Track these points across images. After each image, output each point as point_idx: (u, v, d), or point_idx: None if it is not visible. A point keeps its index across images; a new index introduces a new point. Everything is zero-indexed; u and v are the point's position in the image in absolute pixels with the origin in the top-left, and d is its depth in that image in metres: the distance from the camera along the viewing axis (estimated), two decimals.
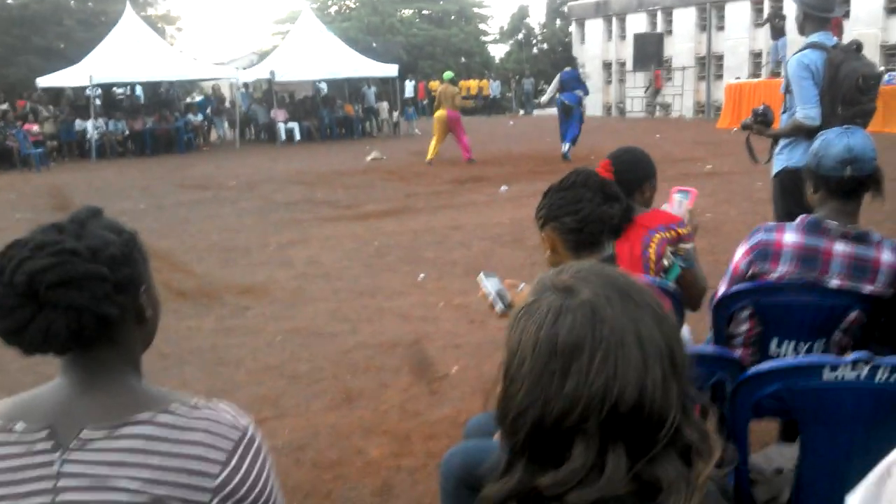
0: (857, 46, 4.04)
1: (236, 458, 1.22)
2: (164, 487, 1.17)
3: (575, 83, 14.85)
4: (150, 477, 1.17)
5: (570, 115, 14.65)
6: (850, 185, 2.46)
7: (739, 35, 25.98)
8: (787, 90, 4.14)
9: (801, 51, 4.10)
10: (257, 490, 1.25)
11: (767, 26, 21.77)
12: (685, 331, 3.19)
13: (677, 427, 0.97)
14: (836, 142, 2.48)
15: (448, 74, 16.48)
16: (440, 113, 15.11)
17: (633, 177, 2.87)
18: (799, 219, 2.55)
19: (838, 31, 4.33)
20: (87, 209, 1.30)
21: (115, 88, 24.01)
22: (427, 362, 4.53)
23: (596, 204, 2.15)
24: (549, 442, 0.98)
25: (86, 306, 1.16)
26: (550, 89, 14.89)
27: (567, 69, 15.25)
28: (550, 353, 0.97)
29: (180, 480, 1.18)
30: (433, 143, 15.31)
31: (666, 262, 2.60)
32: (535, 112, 33.84)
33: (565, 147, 14.60)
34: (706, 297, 2.83)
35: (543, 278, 1.07)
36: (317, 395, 4.20)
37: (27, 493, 1.17)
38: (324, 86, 26.79)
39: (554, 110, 16.17)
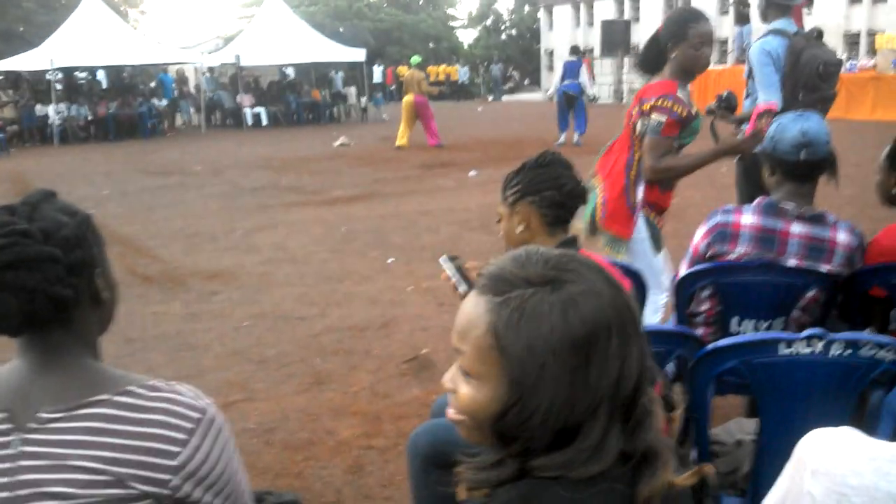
0: (818, 34, 4.12)
1: (196, 437, 1.23)
2: (124, 466, 1.18)
3: (578, 72, 14.78)
4: (109, 456, 1.17)
5: (575, 105, 14.62)
6: (805, 168, 2.52)
7: None
8: (750, 76, 4.21)
9: (763, 37, 4.17)
10: (219, 468, 1.26)
11: (732, 13, 22.00)
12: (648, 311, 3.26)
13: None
14: (791, 126, 2.53)
15: (415, 59, 16.44)
16: (408, 98, 15.07)
17: None
18: (756, 201, 2.61)
19: (799, 18, 4.39)
20: (40, 192, 1.29)
21: (76, 73, 23.56)
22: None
23: (575, 182, 2.20)
24: (562, 433, 0.96)
25: (38, 288, 1.16)
26: (555, 80, 14.66)
27: (570, 59, 15.10)
28: (571, 349, 0.94)
29: (140, 459, 1.19)
30: (402, 128, 15.28)
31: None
32: (504, 98, 33.93)
33: (562, 136, 14.53)
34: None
35: (498, 274, 1.00)
36: (286, 378, 4.21)
37: None
38: (291, 71, 26.53)
39: (523, 97, 16.16)
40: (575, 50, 15.62)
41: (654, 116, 3.31)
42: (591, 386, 0.94)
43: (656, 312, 3.53)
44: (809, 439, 1.10)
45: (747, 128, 3.40)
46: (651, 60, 3.53)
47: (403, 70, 15.67)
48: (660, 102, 3.33)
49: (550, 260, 0.99)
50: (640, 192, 3.49)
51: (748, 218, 2.56)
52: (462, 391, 1.01)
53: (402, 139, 15.18)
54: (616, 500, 0.95)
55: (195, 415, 1.24)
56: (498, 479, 1.00)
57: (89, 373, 1.26)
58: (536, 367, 0.94)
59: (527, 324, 0.94)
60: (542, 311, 0.95)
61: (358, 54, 23.81)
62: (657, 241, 3.67)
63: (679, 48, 3.36)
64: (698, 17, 3.44)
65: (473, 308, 1.00)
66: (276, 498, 1.72)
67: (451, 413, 1.06)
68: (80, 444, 1.17)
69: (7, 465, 1.17)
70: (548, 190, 2.16)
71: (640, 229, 3.54)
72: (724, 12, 24.96)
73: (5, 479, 1.17)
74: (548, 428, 0.95)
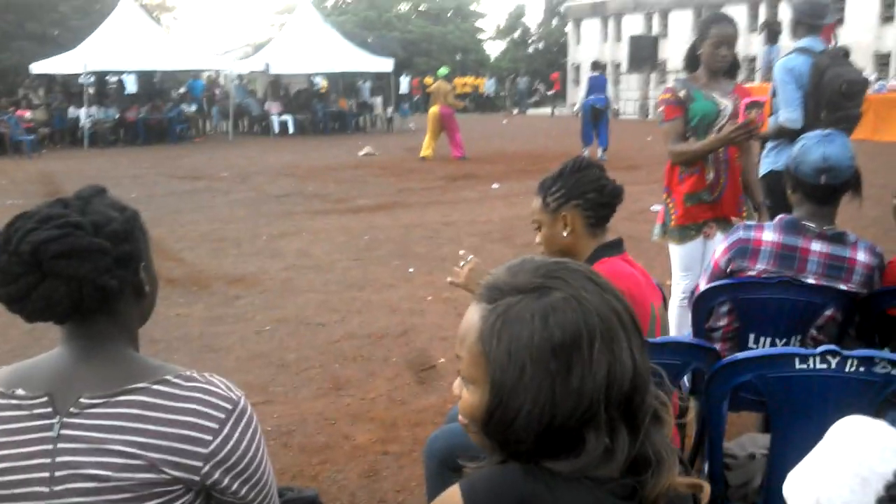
0: (844, 52, 4.13)
1: (228, 427, 1.28)
2: (158, 452, 1.22)
3: (604, 87, 15.02)
4: (145, 441, 1.22)
5: (601, 119, 14.73)
6: (825, 191, 2.53)
7: None
8: (774, 94, 4.22)
9: (787, 55, 4.18)
10: (248, 458, 1.30)
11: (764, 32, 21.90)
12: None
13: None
14: (813, 149, 2.53)
15: (443, 71, 16.63)
16: (433, 110, 15.18)
17: None
18: (777, 218, 2.62)
19: (832, 37, 4.40)
20: (92, 187, 1.36)
21: (107, 77, 23.90)
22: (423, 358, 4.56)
23: (613, 183, 2.26)
24: (559, 439, 0.99)
25: (87, 277, 1.22)
26: (580, 95, 14.83)
27: (594, 73, 15.27)
28: (551, 354, 0.97)
29: (174, 446, 1.23)
30: (427, 139, 15.37)
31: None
32: (529, 111, 33.96)
33: (586, 150, 14.41)
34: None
35: (493, 283, 1.05)
36: (305, 382, 4.26)
37: (28, 455, 1.22)
38: (321, 80, 26.67)
39: (546, 111, 16.21)
40: (596, 65, 15.67)
41: (659, 110, 3.83)
42: (573, 390, 0.97)
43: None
44: (840, 424, 1.12)
45: (738, 119, 3.53)
46: (690, 58, 3.80)
47: (430, 81, 15.83)
48: (659, 97, 3.89)
49: (541, 268, 1.04)
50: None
51: (769, 235, 2.57)
52: (463, 396, 1.07)
53: (426, 150, 15.28)
54: (593, 500, 0.98)
55: (228, 406, 1.29)
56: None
57: (129, 362, 1.31)
58: (517, 371, 0.98)
59: (508, 329, 0.99)
60: (523, 317, 0.99)
61: (386, 64, 23.97)
62: (664, 230, 3.89)
63: (703, 46, 3.66)
64: (721, 19, 3.71)
65: (469, 316, 1.06)
66: (296, 493, 1.77)
67: (459, 418, 1.11)
68: (118, 430, 1.22)
69: (47, 446, 1.22)
70: (591, 192, 2.21)
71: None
72: (753, 30, 24.83)
73: (45, 461, 1.22)
74: (531, 431, 0.98)
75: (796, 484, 1.15)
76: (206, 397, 1.28)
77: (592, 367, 0.97)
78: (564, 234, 2.23)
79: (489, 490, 1.00)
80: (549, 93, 30.54)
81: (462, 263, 2.37)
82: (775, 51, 20.00)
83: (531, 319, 0.98)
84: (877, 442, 1.06)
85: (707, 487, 1.03)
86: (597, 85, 14.90)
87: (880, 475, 1.03)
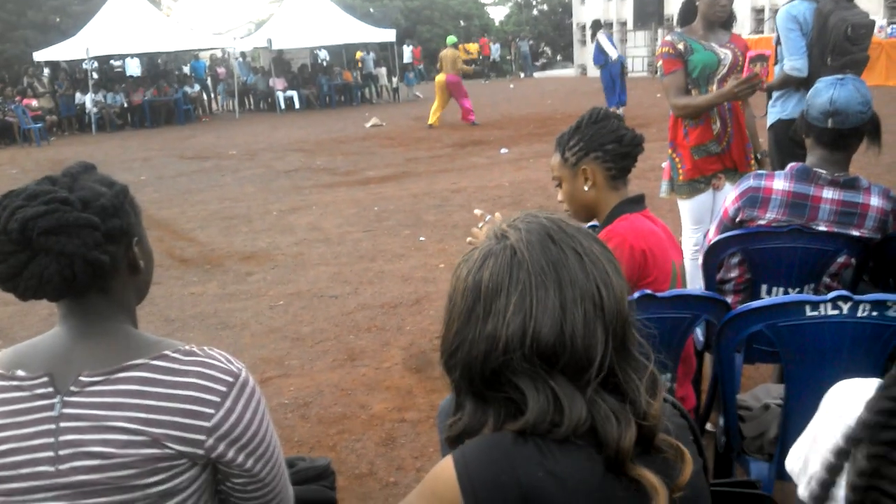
0: None
1: (230, 400, 1.27)
2: (160, 427, 1.22)
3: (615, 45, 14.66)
4: (147, 417, 1.22)
5: (622, 77, 14.40)
6: (833, 136, 2.48)
7: None
8: (778, 42, 4.14)
9: (790, 2, 4.08)
10: (252, 430, 1.30)
11: None
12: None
13: (610, 366, 1.02)
14: (822, 92, 2.49)
15: (451, 39, 16.57)
16: (440, 77, 15.09)
17: None
18: (788, 166, 2.58)
19: None
20: (80, 164, 1.34)
21: (111, 62, 23.83)
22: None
23: (632, 131, 2.20)
24: (482, 380, 1.04)
25: (77, 253, 1.20)
26: (611, 49, 14.06)
27: (603, 30, 14.79)
28: (475, 296, 1.04)
29: (176, 420, 1.23)
30: (434, 107, 15.33)
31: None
32: (536, 74, 33.63)
33: (620, 109, 14.00)
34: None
35: (491, 225, 1.12)
36: (320, 355, 4.27)
37: (31, 435, 1.22)
38: (325, 54, 26.49)
39: (554, 73, 15.98)
40: (597, 24, 15.34)
41: (658, 64, 3.81)
42: (488, 335, 1.02)
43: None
44: (837, 387, 1.12)
45: (742, 73, 3.49)
46: (685, 12, 3.78)
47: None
48: (657, 51, 3.88)
49: (517, 218, 1.10)
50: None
51: (780, 183, 2.53)
52: None
53: (433, 117, 15.25)
54: (586, 461, 0.98)
55: (229, 378, 1.28)
56: (460, 428, 1.07)
57: (127, 338, 1.30)
58: (451, 304, 1.08)
59: (459, 268, 1.09)
60: (471, 258, 1.08)
61: (388, 35, 23.78)
62: (672, 186, 3.86)
63: None
64: None
65: None
66: (308, 462, 1.77)
67: None
68: (119, 406, 1.22)
69: (50, 426, 1.22)
70: (610, 143, 2.16)
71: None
72: None
73: (48, 440, 1.22)
74: (455, 363, 1.06)
75: (793, 450, 1.15)
76: (207, 371, 1.27)
77: (506, 317, 1.01)
78: (586, 188, 2.19)
79: (480, 457, 1.00)
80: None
81: (480, 224, 2.34)
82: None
83: (475, 260, 1.06)
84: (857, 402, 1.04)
85: (688, 456, 1.04)
86: (612, 43, 14.56)
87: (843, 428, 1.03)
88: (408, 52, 31.30)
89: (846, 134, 2.48)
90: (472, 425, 1.06)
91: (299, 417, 3.53)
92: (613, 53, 14.00)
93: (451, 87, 15.01)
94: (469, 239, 2.37)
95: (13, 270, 1.20)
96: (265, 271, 6.02)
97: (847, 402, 1.07)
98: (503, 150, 11.53)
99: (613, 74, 14.32)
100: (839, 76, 2.55)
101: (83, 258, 1.21)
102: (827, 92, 2.47)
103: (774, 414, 2.06)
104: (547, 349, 1.00)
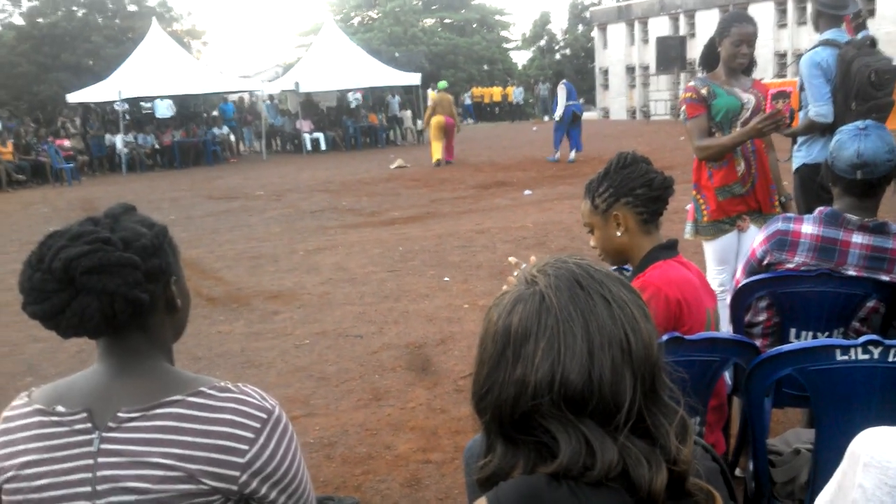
0: (871, 41, 4.05)
1: (264, 436, 1.29)
2: (195, 463, 1.25)
3: (576, 95, 16.20)
4: (182, 453, 1.24)
5: (577, 124, 15.71)
6: (863, 186, 2.48)
7: (763, 36, 25.78)
8: (802, 88, 4.17)
9: (813, 48, 4.12)
10: (284, 467, 1.32)
11: (791, 27, 21.61)
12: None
13: (639, 411, 1.02)
14: (847, 144, 2.48)
15: (442, 84, 18.17)
16: (438, 119, 16.37)
17: None
18: (817, 210, 2.58)
19: (852, 29, 4.37)
20: (121, 205, 1.39)
21: (142, 104, 24.34)
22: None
23: (661, 174, 2.20)
24: (512, 423, 1.05)
25: (118, 291, 1.24)
26: (562, 101, 15.45)
27: (565, 81, 16.31)
28: (505, 341, 1.06)
29: (211, 457, 1.25)
30: (434, 145, 16.59)
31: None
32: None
33: (558, 153, 15.59)
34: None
35: (522, 270, 1.14)
36: (345, 394, 4.29)
37: (70, 470, 1.25)
38: (357, 96, 26.78)
39: (588, 116, 16.87)
40: (559, 76, 17.20)
41: (681, 109, 3.85)
42: (517, 380, 1.03)
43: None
44: (863, 435, 1.12)
45: (765, 107, 3.54)
46: (707, 57, 3.81)
47: (433, 95, 17.34)
48: (681, 96, 3.95)
49: (547, 263, 1.12)
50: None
51: (808, 227, 2.53)
52: None
53: (437, 154, 16.42)
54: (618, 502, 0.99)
55: (263, 415, 1.31)
56: (490, 470, 1.06)
57: (164, 375, 1.34)
58: (482, 348, 1.09)
59: (492, 309, 1.11)
60: (501, 302, 1.10)
61: (413, 78, 24.15)
62: (696, 228, 3.85)
63: (723, 44, 3.67)
64: (742, 18, 3.71)
65: None
66: (336, 502, 1.79)
67: None
68: (156, 442, 1.25)
69: (88, 461, 1.25)
70: (640, 188, 2.16)
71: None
72: (782, 25, 24.53)
73: (87, 475, 1.25)
74: (486, 405, 1.06)
75: (819, 499, 1.14)
76: (241, 407, 1.30)
77: (535, 363, 1.02)
78: (618, 233, 2.19)
79: (516, 499, 1.01)
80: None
81: (516, 273, 2.35)
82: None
83: (505, 305, 1.08)
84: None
85: (719, 500, 1.04)
86: (573, 92, 15.86)
87: None
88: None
89: (875, 183, 2.49)
90: (502, 467, 1.07)
91: (324, 457, 3.54)
92: (560, 108, 15.40)
93: (448, 128, 16.50)
94: (504, 287, 2.38)
95: (56, 309, 1.23)
96: (291, 310, 6.07)
97: (877, 451, 1.07)
98: (527, 192, 11.60)
99: (565, 121, 15.64)
100: (860, 124, 2.54)
101: (124, 297, 1.25)
102: (852, 144, 2.47)
103: (805, 459, 2.04)
104: (575, 394, 1.01)
